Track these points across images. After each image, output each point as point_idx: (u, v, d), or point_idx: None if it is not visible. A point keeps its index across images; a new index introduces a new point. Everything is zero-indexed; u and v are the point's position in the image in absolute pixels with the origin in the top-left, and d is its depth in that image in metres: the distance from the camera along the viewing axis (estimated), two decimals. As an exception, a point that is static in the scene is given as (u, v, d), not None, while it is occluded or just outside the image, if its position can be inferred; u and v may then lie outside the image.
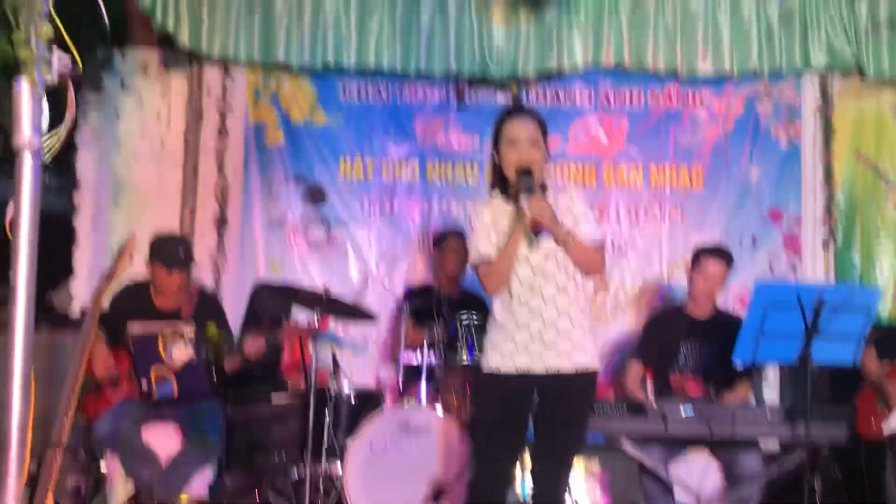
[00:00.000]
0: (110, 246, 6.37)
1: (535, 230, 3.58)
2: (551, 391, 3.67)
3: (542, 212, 3.57)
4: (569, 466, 3.83)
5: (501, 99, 6.60)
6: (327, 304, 5.10)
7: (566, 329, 3.66)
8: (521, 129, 3.73)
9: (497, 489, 3.77)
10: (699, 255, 5.29)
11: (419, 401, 5.10)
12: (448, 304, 5.64)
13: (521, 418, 3.70)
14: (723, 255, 5.26)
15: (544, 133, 3.78)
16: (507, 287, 3.68)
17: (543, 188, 3.68)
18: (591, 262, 3.73)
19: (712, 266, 5.20)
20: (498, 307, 3.72)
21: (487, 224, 3.75)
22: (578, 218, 3.72)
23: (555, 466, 3.76)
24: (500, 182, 3.79)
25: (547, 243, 3.64)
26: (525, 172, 3.64)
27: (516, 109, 3.94)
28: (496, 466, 3.72)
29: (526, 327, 3.65)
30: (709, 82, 6.48)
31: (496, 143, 3.78)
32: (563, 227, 3.62)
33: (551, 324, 3.65)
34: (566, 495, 4.12)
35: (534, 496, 3.82)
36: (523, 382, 3.66)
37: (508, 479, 3.95)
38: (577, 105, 6.61)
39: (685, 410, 4.51)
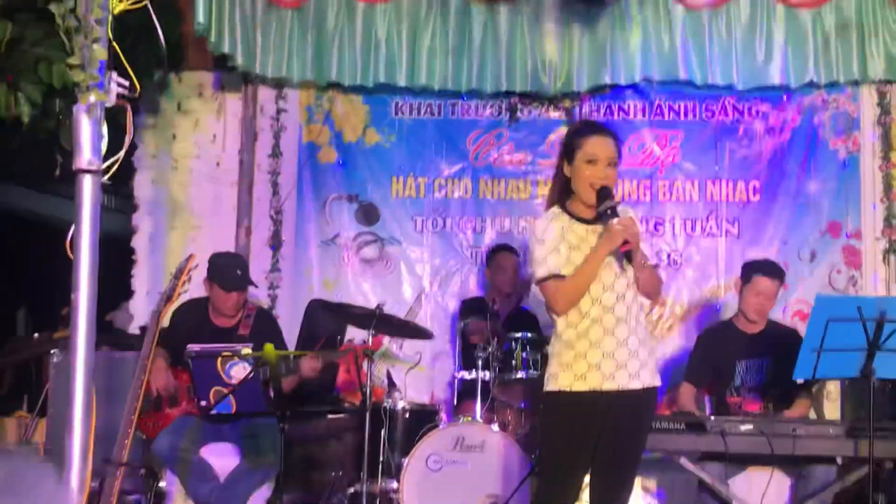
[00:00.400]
0: (167, 266, 6.47)
1: (626, 251, 3.57)
2: (620, 409, 3.64)
3: (634, 234, 3.56)
4: (632, 483, 3.81)
5: (555, 114, 6.60)
6: (381, 322, 5.11)
7: (635, 348, 3.64)
8: (603, 148, 3.67)
9: None
10: (750, 271, 5.21)
11: (474, 417, 5.09)
12: (501, 321, 5.63)
13: (590, 438, 3.67)
14: (773, 271, 5.17)
15: (619, 153, 3.76)
16: (577, 308, 3.65)
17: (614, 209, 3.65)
18: (656, 284, 3.76)
19: (763, 283, 5.12)
20: (564, 325, 3.68)
21: (557, 238, 3.67)
22: (639, 239, 3.71)
23: (618, 483, 3.73)
24: (565, 196, 3.76)
25: (615, 266, 3.63)
26: (605, 192, 3.63)
27: (599, 126, 3.82)
28: (564, 486, 3.70)
29: (598, 346, 3.62)
30: (765, 94, 6.42)
31: (569, 157, 3.75)
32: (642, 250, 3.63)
33: (623, 343, 3.63)
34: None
35: None
36: (594, 401, 3.63)
37: (574, 500, 3.91)
38: (630, 119, 6.59)
39: (745, 426, 4.44)
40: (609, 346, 3.61)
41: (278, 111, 6.72)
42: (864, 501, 4.22)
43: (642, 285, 3.68)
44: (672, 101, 6.55)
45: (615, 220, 3.55)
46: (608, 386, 3.61)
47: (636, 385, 3.64)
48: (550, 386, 3.69)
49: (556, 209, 3.76)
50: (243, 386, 3.97)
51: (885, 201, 6.35)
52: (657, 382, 3.71)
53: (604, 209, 3.60)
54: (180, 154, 6.78)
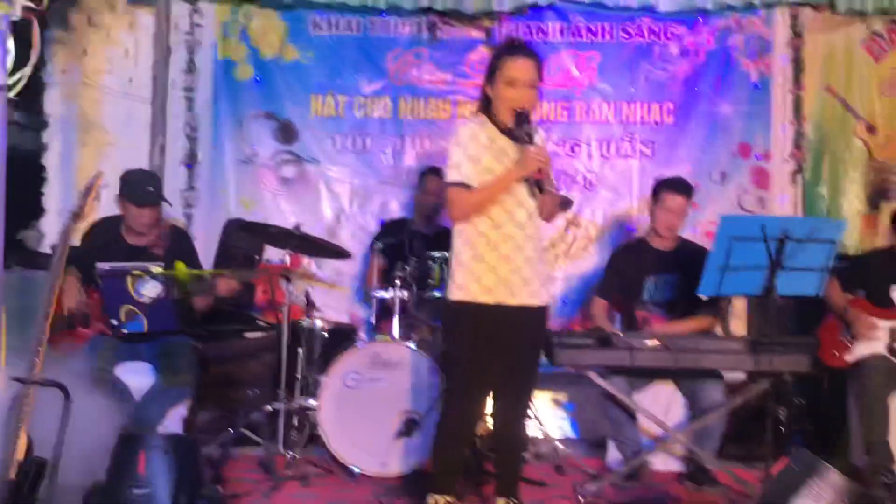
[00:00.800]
0: (79, 184, 6.33)
1: (537, 179, 3.62)
2: (519, 326, 3.72)
3: (545, 162, 3.61)
4: (530, 397, 3.94)
5: (475, 33, 6.58)
6: (299, 242, 5.12)
7: (539, 267, 3.73)
8: (522, 71, 3.71)
9: (468, 422, 3.86)
10: (659, 189, 5.32)
11: (391, 335, 5.15)
12: (423, 240, 5.66)
13: (492, 351, 3.75)
14: (682, 187, 5.28)
15: (540, 75, 3.78)
16: (490, 218, 3.70)
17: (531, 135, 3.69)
18: (556, 210, 3.90)
19: (671, 199, 5.23)
20: (476, 235, 3.73)
21: (480, 148, 3.71)
22: (550, 167, 3.78)
23: (519, 401, 3.85)
24: (489, 112, 3.79)
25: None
26: (524, 117, 3.66)
27: (521, 47, 3.84)
28: (469, 399, 3.79)
29: (508, 261, 3.69)
30: (681, 16, 6.48)
31: (491, 78, 3.77)
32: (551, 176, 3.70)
33: (529, 261, 3.71)
34: (527, 424, 4.24)
35: (497, 426, 3.93)
36: (499, 315, 3.71)
37: (479, 413, 4.02)
38: (549, 40, 6.59)
39: (650, 341, 4.57)
40: (517, 262, 3.69)
41: (193, 26, 6.57)
42: (765, 414, 4.38)
43: (544, 208, 3.76)
44: (590, 22, 6.57)
45: (532, 148, 3.60)
46: (511, 301, 3.69)
47: (536, 302, 3.74)
48: (457, 296, 3.75)
49: (484, 118, 3.80)
50: (154, 305, 3.96)
51: (794, 123, 6.50)
52: (549, 301, 3.87)
53: (520, 134, 3.64)
54: (91, 70, 6.61)
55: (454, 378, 3.84)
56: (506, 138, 3.73)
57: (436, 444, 3.91)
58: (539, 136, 3.82)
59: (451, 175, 3.73)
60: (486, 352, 3.72)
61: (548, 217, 3.85)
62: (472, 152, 3.72)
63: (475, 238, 3.73)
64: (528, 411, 4.01)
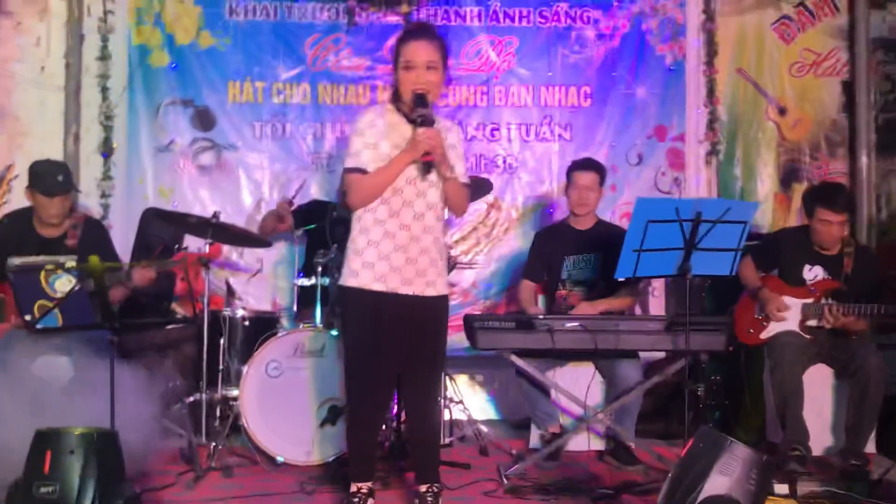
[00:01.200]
0: (-8, 174, 6.20)
1: (426, 161, 3.62)
2: (416, 314, 3.74)
3: (435, 145, 3.61)
4: (437, 384, 3.98)
5: (393, 19, 6.57)
6: (218, 230, 5.07)
7: (435, 258, 3.75)
8: (419, 52, 3.71)
9: (369, 409, 3.84)
10: (569, 171, 5.41)
11: (313, 323, 5.14)
12: (346, 227, 5.65)
13: (390, 339, 3.75)
14: (588, 165, 5.37)
15: (445, 56, 3.78)
16: (387, 206, 3.71)
17: (430, 121, 3.67)
18: (462, 202, 3.87)
19: (579, 176, 5.32)
20: (372, 222, 3.74)
21: (379, 134, 3.71)
22: (459, 157, 3.81)
23: (426, 385, 3.87)
24: (397, 99, 3.80)
25: (434, 174, 3.70)
26: (420, 100, 3.66)
27: (417, 30, 3.84)
28: (368, 387, 3.79)
29: (403, 250, 3.70)
30: (597, 1, 6.55)
31: (395, 64, 3.77)
32: (447, 162, 3.70)
33: (425, 251, 3.73)
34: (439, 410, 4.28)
35: (408, 414, 3.96)
36: (393, 304, 3.72)
37: (382, 400, 3.99)
38: (467, 25, 6.62)
39: (570, 323, 4.63)
40: (412, 252, 3.71)
41: (105, 12, 6.46)
42: (683, 392, 4.47)
43: (448, 198, 3.78)
44: (507, 6, 6.61)
45: (420, 130, 3.61)
46: (406, 290, 3.72)
47: (431, 292, 3.76)
48: (350, 282, 3.75)
49: (388, 105, 3.80)
50: (69, 299, 3.89)
51: (708, 106, 6.63)
52: (447, 292, 3.87)
53: (416, 116, 3.65)
54: (2, 58, 6.46)
55: (352, 365, 3.83)
56: (409, 126, 3.74)
57: (346, 432, 3.94)
58: (448, 125, 3.84)
59: (348, 162, 3.73)
60: (381, 339, 3.73)
61: (456, 208, 3.86)
62: (370, 139, 3.72)
63: (371, 225, 3.72)
64: (437, 398, 4.02)
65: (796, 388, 5.00)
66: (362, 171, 3.69)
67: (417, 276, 3.72)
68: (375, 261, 3.70)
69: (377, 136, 3.72)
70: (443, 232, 3.87)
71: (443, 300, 3.84)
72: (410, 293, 3.72)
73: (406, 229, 3.71)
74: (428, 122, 3.61)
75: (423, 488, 3.89)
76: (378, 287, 3.70)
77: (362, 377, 3.76)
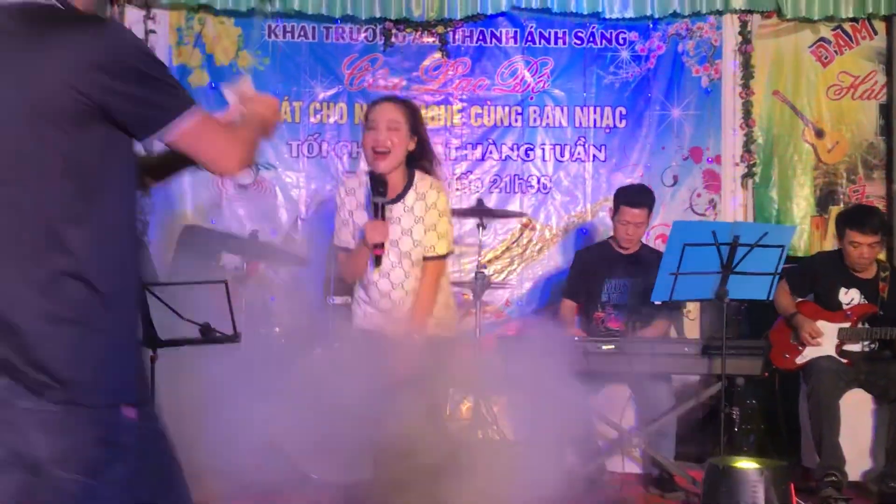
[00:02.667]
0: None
1: (376, 254, 3.73)
2: None
3: (378, 237, 3.72)
4: None
5: (429, 39, 6.62)
6: (256, 249, 5.12)
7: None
8: (381, 112, 3.83)
9: None
10: (616, 201, 5.40)
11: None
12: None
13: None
14: (640, 201, 5.36)
15: (412, 119, 3.86)
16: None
17: (418, 162, 3.88)
18: (426, 287, 3.88)
19: (630, 214, 5.33)
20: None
21: (357, 202, 3.89)
22: (434, 224, 3.86)
23: None
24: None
25: (393, 256, 3.82)
26: (377, 183, 3.75)
27: (381, 98, 4.02)
28: None
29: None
30: (633, 23, 6.56)
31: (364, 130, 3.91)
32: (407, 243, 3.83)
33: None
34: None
35: None
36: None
37: None
38: (502, 46, 6.65)
39: (606, 345, 4.65)
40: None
41: (147, 32, 6.53)
42: (717, 415, 4.47)
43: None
44: (543, 28, 6.64)
45: (368, 224, 3.75)
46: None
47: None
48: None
49: (360, 175, 3.96)
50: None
51: (744, 128, 6.61)
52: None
53: (375, 202, 3.75)
54: (44, 76, 6.55)
55: None
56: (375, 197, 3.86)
57: None
58: (429, 184, 3.90)
59: (334, 239, 4.01)
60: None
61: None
62: (345, 215, 3.95)
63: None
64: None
65: (833, 413, 4.97)
66: (344, 249, 3.93)
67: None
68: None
69: (354, 205, 3.89)
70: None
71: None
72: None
73: (374, 306, 3.91)
74: (380, 212, 3.70)
75: None
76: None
77: None
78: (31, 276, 2.00)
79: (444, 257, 3.90)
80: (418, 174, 3.88)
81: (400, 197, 3.83)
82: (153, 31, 6.52)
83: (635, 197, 5.37)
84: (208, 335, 4.04)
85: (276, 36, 6.62)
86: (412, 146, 3.85)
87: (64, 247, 2.01)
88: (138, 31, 6.50)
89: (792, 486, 3.96)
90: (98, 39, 2.01)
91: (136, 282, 2.18)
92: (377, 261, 3.76)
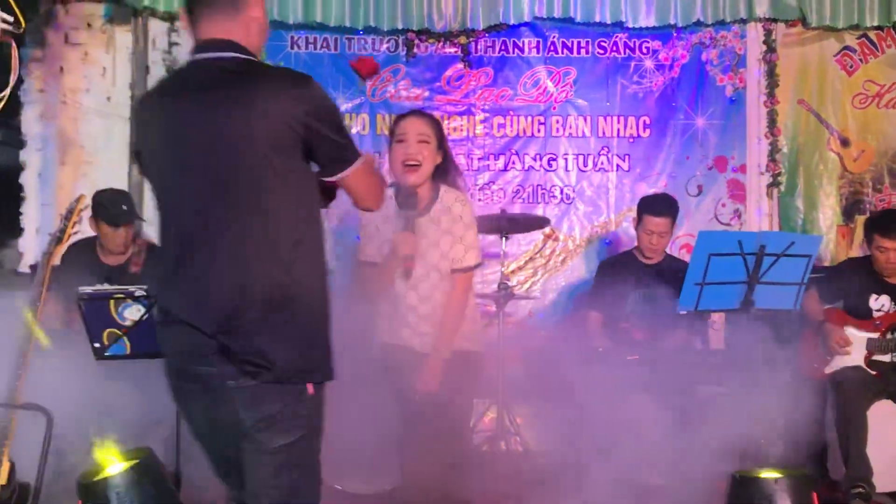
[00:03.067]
0: (58, 202, 6.33)
1: (406, 266, 3.72)
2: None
3: (408, 249, 3.70)
4: None
5: (451, 50, 6.61)
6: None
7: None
8: (410, 125, 3.86)
9: None
10: (640, 210, 5.38)
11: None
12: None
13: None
14: (664, 210, 5.33)
15: (439, 133, 3.91)
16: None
17: (444, 175, 3.90)
18: (455, 301, 3.90)
19: (653, 223, 5.29)
20: None
21: (383, 215, 3.83)
22: (461, 236, 3.87)
23: None
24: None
25: (420, 269, 3.82)
26: (406, 197, 3.78)
27: (410, 111, 4.08)
28: None
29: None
30: (656, 31, 6.54)
31: (389, 144, 3.94)
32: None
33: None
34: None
35: None
36: None
37: None
38: (525, 56, 6.64)
39: (630, 356, 4.62)
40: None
41: (170, 44, 6.56)
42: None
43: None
44: (566, 38, 6.62)
45: (397, 236, 3.76)
46: None
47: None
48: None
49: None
50: (137, 327, 3.95)
51: (769, 137, 6.57)
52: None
53: (403, 216, 3.75)
54: (69, 88, 6.60)
55: None
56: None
57: None
58: (455, 197, 3.93)
59: (358, 254, 4.00)
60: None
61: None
62: (371, 229, 3.96)
63: None
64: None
65: (860, 423, 4.93)
66: (369, 264, 3.92)
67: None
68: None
69: (381, 219, 3.86)
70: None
71: None
72: None
73: (400, 320, 3.93)
74: (410, 225, 3.68)
75: None
76: None
77: None
78: (252, 283, 2.47)
79: (472, 269, 3.89)
80: (444, 187, 3.90)
81: (426, 209, 3.82)
82: (177, 44, 6.54)
83: (659, 206, 5.34)
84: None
85: (298, 47, 6.64)
86: (439, 159, 3.87)
87: (278, 254, 2.50)
88: (162, 44, 6.54)
89: (815, 495, 3.92)
90: (309, 92, 2.55)
91: (327, 284, 2.63)
92: (407, 273, 3.75)
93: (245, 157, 2.47)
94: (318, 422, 2.57)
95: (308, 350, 2.54)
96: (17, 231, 6.50)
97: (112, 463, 3.33)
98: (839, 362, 5.10)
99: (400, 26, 6.40)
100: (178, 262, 2.54)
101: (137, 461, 3.24)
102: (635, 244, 5.51)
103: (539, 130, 6.65)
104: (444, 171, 3.93)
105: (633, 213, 5.59)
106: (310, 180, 2.61)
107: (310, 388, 2.52)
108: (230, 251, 2.48)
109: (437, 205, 3.86)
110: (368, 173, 2.72)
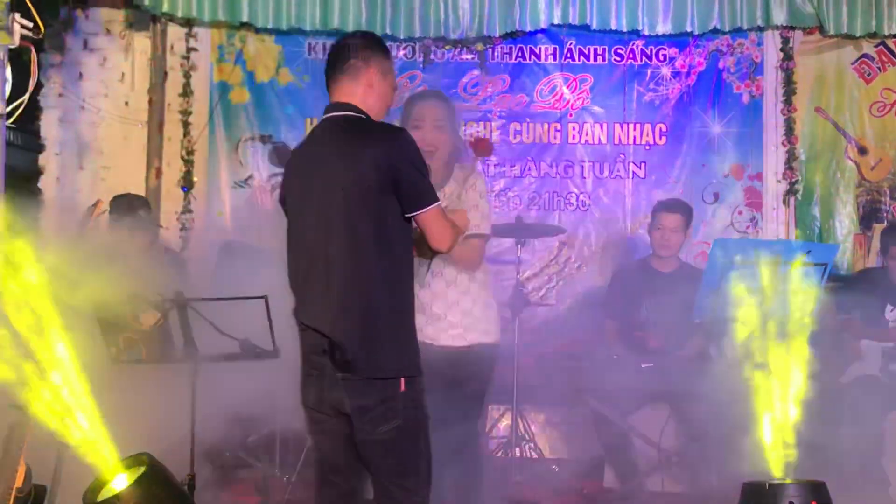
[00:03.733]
0: (77, 206, 6.37)
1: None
2: None
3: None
4: None
5: (468, 57, 6.63)
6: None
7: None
8: (426, 112, 3.85)
9: None
10: (654, 210, 5.39)
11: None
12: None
13: None
14: (676, 207, 5.34)
15: (452, 117, 3.94)
16: None
17: (457, 154, 3.92)
18: (467, 261, 3.87)
19: (666, 219, 5.29)
20: None
21: None
22: (476, 204, 3.85)
23: None
24: None
25: None
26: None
27: (426, 93, 4.12)
28: None
29: None
30: (672, 39, 6.54)
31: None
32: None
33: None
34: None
35: None
36: None
37: None
38: (541, 62, 6.65)
39: (645, 363, 4.61)
40: None
41: (188, 50, 6.61)
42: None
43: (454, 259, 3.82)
44: (582, 45, 6.63)
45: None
46: None
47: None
48: None
49: None
50: (154, 332, 3.98)
51: (786, 144, 6.55)
52: None
53: None
54: (88, 93, 6.65)
55: None
56: None
57: None
58: (475, 176, 3.94)
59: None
60: None
61: (462, 265, 3.91)
62: None
63: None
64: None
65: (875, 434, 4.90)
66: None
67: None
68: None
69: None
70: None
71: None
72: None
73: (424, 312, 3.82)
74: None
75: None
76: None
77: None
78: (347, 303, 3.00)
79: (486, 237, 3.89)
80: (457, 166, 3.93)
81: (439, 188, 3.79)
82: (195, 49, 6.59)
83: (671, 203, 5.37)
84: (248, 350, 4.04)
85: (315, 53, 6.66)
86: (453, 141, 3.92)
87: (376, 275, 3.01)
88: (180, 49, 6.58)
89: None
90: (399, 143, 3.06)
91: (413, 298, 3.12)
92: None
93: (352, 196, 2.99)
94: (413, 412, 3.01)
95: (398, 352, 3.02)
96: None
97: (114, 474, 3.24)
98: (854, 372, 5.08)
99: (417, 33, 6.41)
100: (306, 280, 3.10)
101: (143, 470, 3.16)
102: (651, 252, 5.50)
103: (555, 137, 6.65)
104: (457, 151, 3.97)
105: (649, 220, 5.58)
106: (402, 215, 3.05)
107: (402, 383, 2.97)
108: (340, 274, 3.01)
109: (451, 181, 3.90)
110: (442, 217, 3.11)
